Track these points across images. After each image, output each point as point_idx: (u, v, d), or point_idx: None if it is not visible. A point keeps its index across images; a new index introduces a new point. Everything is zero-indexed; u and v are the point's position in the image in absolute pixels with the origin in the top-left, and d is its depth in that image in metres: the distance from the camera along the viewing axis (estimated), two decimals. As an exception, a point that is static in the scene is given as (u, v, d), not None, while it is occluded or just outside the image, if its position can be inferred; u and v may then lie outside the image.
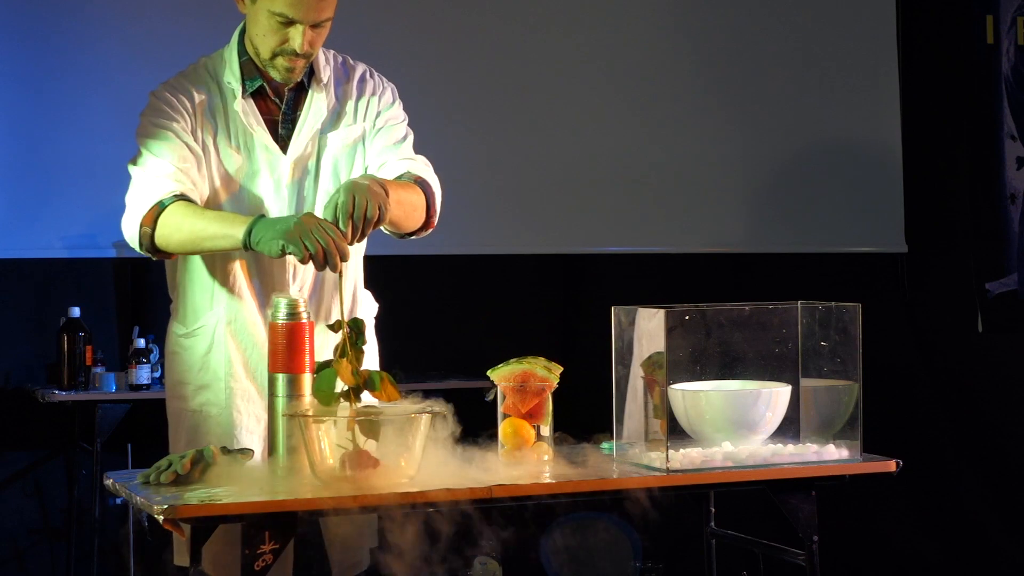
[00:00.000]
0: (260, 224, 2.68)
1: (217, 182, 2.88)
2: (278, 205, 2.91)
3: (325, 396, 2.56)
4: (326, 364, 2.61)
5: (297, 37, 2.79)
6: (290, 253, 2.63)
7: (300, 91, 2.92)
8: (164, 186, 2.78)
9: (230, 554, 2.48)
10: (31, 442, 4.90)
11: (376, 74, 3.04)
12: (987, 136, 5.31)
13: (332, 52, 3.00)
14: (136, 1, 4.74)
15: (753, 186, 5.35)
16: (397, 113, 3.03)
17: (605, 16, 5.23)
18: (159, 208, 2.77)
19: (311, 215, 2.68)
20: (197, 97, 2.88)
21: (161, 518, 2.31)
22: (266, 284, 2.91)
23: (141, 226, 2.78)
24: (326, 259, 2.60)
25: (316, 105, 2.92)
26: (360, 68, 3.02)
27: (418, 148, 3.10)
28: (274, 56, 2.83)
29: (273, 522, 2.37)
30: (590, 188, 5.19)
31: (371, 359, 2.98)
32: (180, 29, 4.71)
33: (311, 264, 2.68)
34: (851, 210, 5.45)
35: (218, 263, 2.88)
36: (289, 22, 2.78)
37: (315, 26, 2.80)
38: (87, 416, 4.63)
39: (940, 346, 5.41)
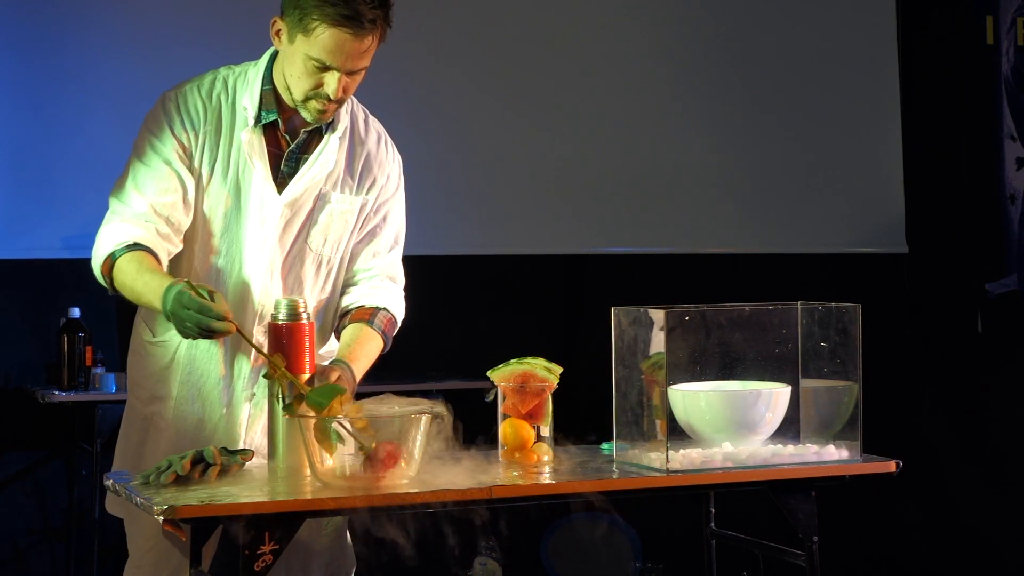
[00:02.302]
0: (167, 304, 2.65)
1: (206, 211, 2.86)
2: (260, 243, 2.87)
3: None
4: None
5: (332, 83, 2.74)
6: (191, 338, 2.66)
7: (314, 133, 2.88)
8: (123, 234, 2.79)
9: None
10: (31, 442, 4.90)
11: (389, 144, 3.01)
12: (987, 136, 5.31)
13: (355, 102, 2.97)
14: (138, 5, 4.74)
15: (753, 186, 5.35)
16: (396, 206, 3.01)
17: (605, 17, 5.23)
18: (111, 260, 2.79)
19: (177, 296, 2.63)
20: (205, 115, 2.84)
21: (161, 519, 2.31)
22: (242, 306, 2.87)
23: (102, 276, 2.82)
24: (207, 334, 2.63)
25: (327, 152, 2.87)
26: (375, 131, 2.99)
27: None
28: (306, 99, 2.78)
29: (273, 522, 2.37)
30: (590, 188, 5.19)
31: None
32: (181, 32, 4.72)
33: (290, 288, 2.86)
34: (851, 210, 5.45)
35: (194, 279, 2.86)
36: (325, 68, 2.74)
37: (351, 73, 2.76)
38: (87, 416, 4.63)
39: (940, 346, 5.41)
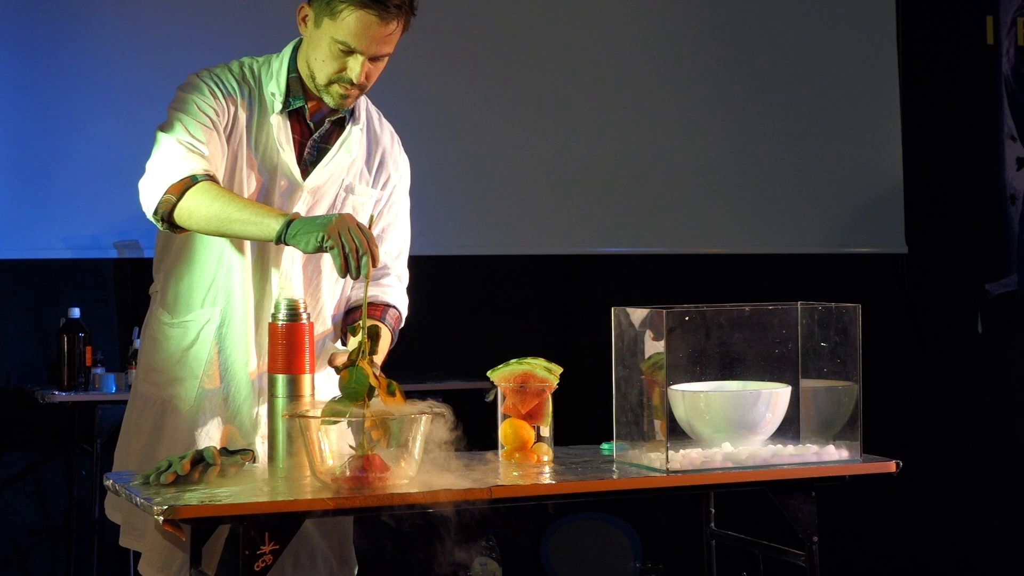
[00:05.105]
0: (300, 219, 2.68)
1: (233, 186, 2.86)
2: None
3: (354, 392, 2.56)
4: (350, 364, 2.60)
5: (356, 67, 2.79)
6: (327, 248, 2.63)
7: (335, 125, 2.93)
8: (199, 163, 2.76)
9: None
10: (31, 442, 4.91)
11: (399, 143, 3.06)
12: (987, 136, 5.31)
13: (369, 103, 3.02)
14: (140, 7, 4.74)
15: (753, 186, 5.35)
16: (405, 207, 3.06)
17: (606, 17, 5.23)
18: (191, 181, 2.73)
19: (352, 215, 2.69)
20: (239, 95, 2.86)
21: (161, 519, 2.31)
22: (263, 293, 2.89)
23: (166, 193, 2.74)
24: (355, 261, 2.63)
25: (351, 142, 2.92)
26: (388, 130, 3.04)
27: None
28: (330, 83, 2.82)
29: (273, 522, 2.37)
30: (590, 188, 5.19)
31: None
32: (183, 32, 4.72)
33: (309, 278, 2.82)
34: (851, 210, 5.45)
35: (224, 262, 2.87)
36: (350, 51, 2.78)
37: (374, 59, 2.81)
38: (87, 416, 4.63)
39: (940, 346, 5.41)
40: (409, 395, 2.60)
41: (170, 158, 2.77)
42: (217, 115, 2.83)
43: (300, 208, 2.88)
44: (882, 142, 5.49)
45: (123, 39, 4.71)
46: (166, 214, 2.75)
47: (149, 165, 2.79)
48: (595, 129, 5.20)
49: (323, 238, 2.62)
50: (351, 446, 2.49)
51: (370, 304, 2.98)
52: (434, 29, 5.01)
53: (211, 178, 2.75)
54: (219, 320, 2.88)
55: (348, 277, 2.67)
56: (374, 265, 2.64)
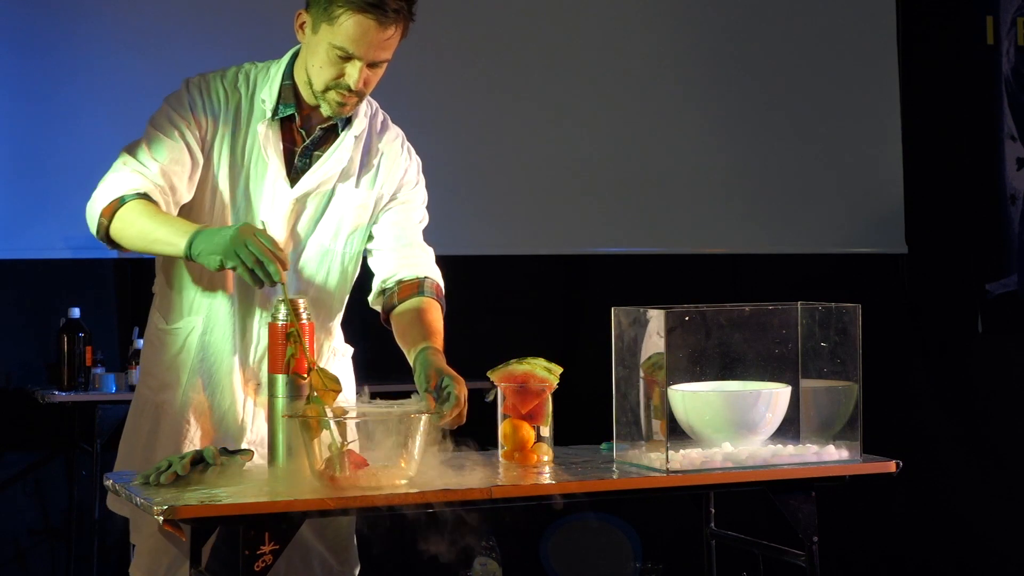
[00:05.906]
0: (201, 236, 2.67)
1: (217, 200, 2.86)
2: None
3: (326, 393, 2.58)
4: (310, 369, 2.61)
5: (354, 73, 2.77)
6: (229, 267, 2.64)
7: (330, 131, 2.91)
8: (134, 182, 2.78)
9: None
10: (31, 442, 4.91)
11: (407, 146, 3.05)
12: (987, 136, 5.31)
13: (376, 104, 3.01)
14: (139, 6, 4.74)
15: (753, 186, 5.36)
16: (418, 195, 3.06)
17: (606, 17, 5.24)
18: (119, 203, 2.76)
19: (249, 226, 2.66)
20: (226, 105, 2.86)
21: (161, 519, 2.31)
22: (245, 302, 2.89)
23: (100, 216, 2.78)
24: (261, 271, 2.62)
25: (343, 149, 2.90)
26: (394, 132, 3.02)
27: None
28: (327, 89, 2.81)
29: (273, 523, 2.37)
30: (590, 188, 5.19)
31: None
32: (182, 33, 4.72)
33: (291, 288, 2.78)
34: (851, 210, 5.45)
35: (207, 271, 2.87)
36: (348, 57, 2.76)
37: (372, 65, 2.79)
38: (87, 417, 4.63)
39: (940, 346, 5.41)
40: (408, 395, 2.61)
41: (111, 180, 2.80)
42: (192, 129, 2.83)
43: (288, 215, 2.87)
44: (882, 142, 5.49)
45: (122, 38, 4.71)
46: (104, 235, 2.79)
47: (99, 183, 2.83)
48: (595, 129, 5.20)
49: (222, 261, 2.63)
50: (328, 447, 2.48)
51: (397, 282, 2.98)
52: (434, 29, 5.01)
53: (143, 196, 2.76)
54: (202, 328, 2.88)
55: (266, 287, 2.66)
56: (284, 268, 2.63)
